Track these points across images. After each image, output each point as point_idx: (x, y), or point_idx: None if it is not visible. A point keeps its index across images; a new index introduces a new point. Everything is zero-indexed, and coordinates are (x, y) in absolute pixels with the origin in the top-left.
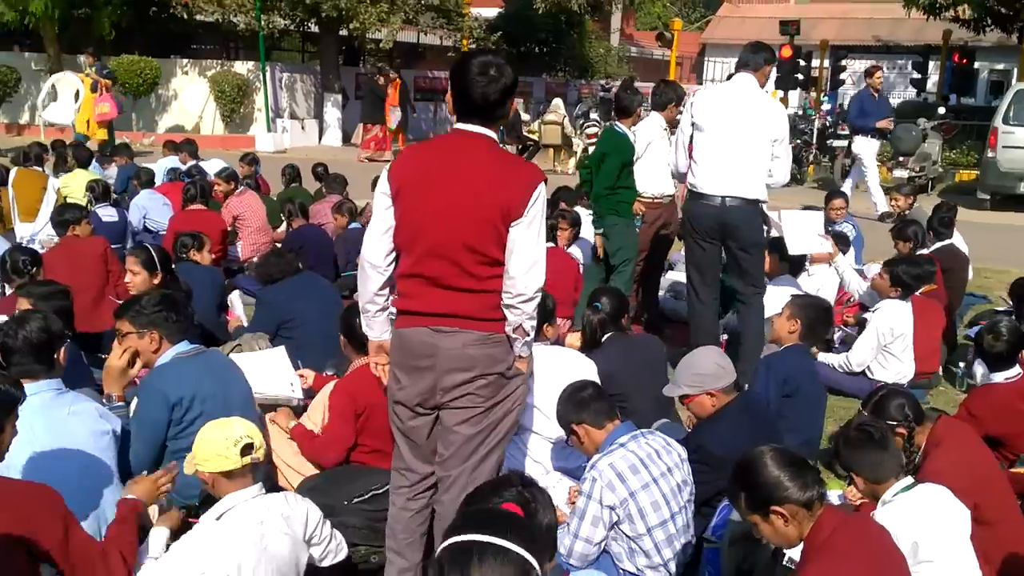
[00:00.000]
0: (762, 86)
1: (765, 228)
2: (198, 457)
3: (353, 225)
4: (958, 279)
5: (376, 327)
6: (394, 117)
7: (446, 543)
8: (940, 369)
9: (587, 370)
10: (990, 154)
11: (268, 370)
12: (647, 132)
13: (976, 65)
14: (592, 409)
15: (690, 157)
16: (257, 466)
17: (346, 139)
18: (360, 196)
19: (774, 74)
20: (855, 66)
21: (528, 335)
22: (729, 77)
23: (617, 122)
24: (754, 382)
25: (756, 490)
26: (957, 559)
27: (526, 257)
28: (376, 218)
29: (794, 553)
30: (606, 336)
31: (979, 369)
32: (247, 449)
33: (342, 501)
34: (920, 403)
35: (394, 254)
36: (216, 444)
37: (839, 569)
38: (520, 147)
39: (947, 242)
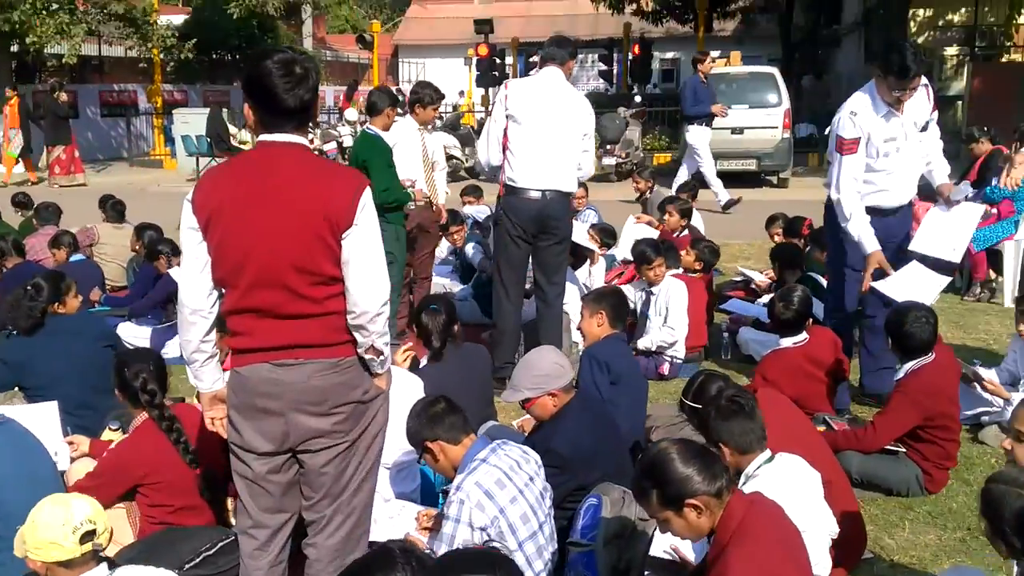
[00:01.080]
0: (567, 80)
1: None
2: (29, 544)
3: (76, 257)
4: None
5: (206, 377)
6: (16, 142)
7: None
8: (707, 342)
9: (415, 388)
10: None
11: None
12: (398, 134)
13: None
14: (447, 424)
15: (505, 150)
16: (100, 551)
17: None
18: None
19: (474, 72)
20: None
21: (382, 354)
22: (529, 69)
23: (370, 124)
24: (579, 375)
25: (668, 486)
26: (818, 525)
27: (363, 271)
28: (188, 256)
29: (667, 543)
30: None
31: (748, 335)
32: (88, 536)
33: (172, 570)
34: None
35: (215, 293)
36: (51, 530)
37: (760, 553)
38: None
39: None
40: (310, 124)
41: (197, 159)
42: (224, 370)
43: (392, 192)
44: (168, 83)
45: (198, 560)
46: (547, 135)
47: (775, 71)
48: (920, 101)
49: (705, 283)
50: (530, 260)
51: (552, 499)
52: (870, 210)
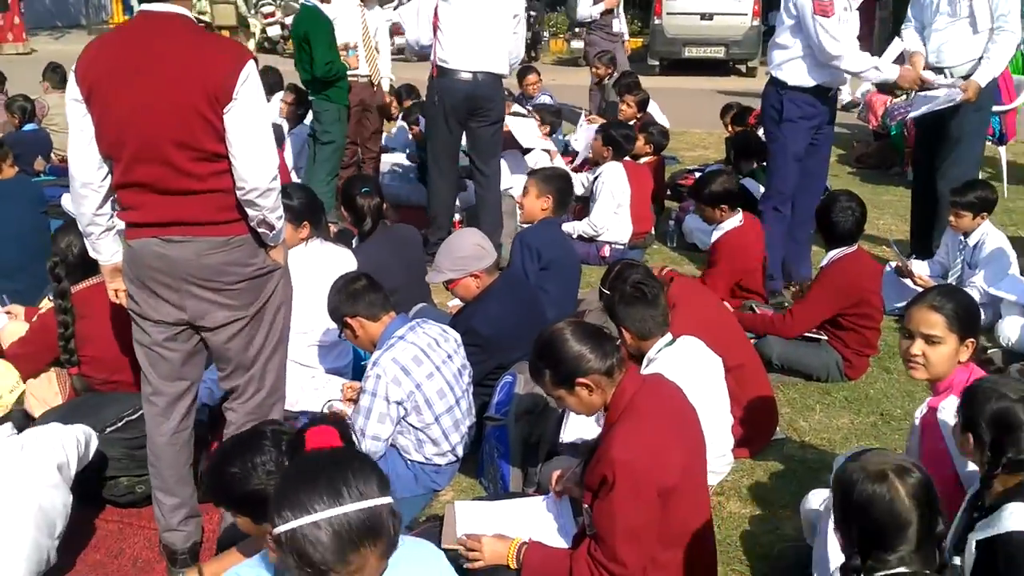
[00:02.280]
0: None
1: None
2: None
3: (29, 126)
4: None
5: (104, 249)
6: None
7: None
8: (652, 229)
9: (348, 264)
10: (656, 22)
11: None
12: (338, 8)
13: None
14: (366, 301)
15: (436, 30)
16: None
17: None
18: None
19: None
20: None
21: (274, 228)
22: None
23: None
24: (511, 259)
25: (561, 365)
26: (717, 405)
27: (248, 146)
28: (74, 128)
29: (578, 424)
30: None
31: (691, 223)
32: None
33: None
34: (650, 270)
35: (106, 165)
36: None
37: (644, 429)
38: None
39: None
40: None
41: None
42: None
43: (333, 66)
44: None
45: (120, 424)
46: (478, 15)
47: None
48: None
49: (653, 168)
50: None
51: (471, 376)
52: (815, 89)
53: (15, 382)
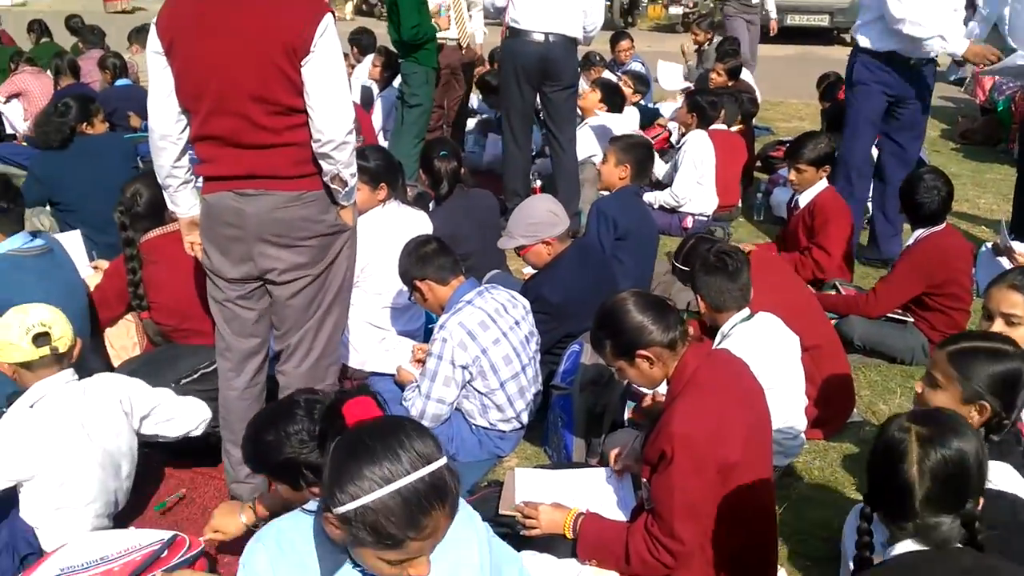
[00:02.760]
0: None
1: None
2: None
3: (121, 81)
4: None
5: (182, 202)
6: None
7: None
8: (740, 202)
9: (424, 227)
10: None
11: None
12: None
13: None
14: (436, 264)
15: None
16: (62, 356)
17: None
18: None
19: None
20: None
21: (347, 184)
22: None
23: None
24: (587, 227)
25: (621, 336)
26: (791, 384)
27: (325, 98)
28: (154, 81)
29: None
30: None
31: (779, 196)
32: (41, 339)
33: (168, 384)
34: (729, 244)
35: (184, 118)
36: (7, 331)
37: (705, 404)
38: None
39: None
40: None
41: None
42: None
43: (420, 29)
44: None
45: (195, 376)
46: None
47: None
48: None
49: (743, 137)
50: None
51: (539, 344)
52: (888, 56)
53: (64, 329)
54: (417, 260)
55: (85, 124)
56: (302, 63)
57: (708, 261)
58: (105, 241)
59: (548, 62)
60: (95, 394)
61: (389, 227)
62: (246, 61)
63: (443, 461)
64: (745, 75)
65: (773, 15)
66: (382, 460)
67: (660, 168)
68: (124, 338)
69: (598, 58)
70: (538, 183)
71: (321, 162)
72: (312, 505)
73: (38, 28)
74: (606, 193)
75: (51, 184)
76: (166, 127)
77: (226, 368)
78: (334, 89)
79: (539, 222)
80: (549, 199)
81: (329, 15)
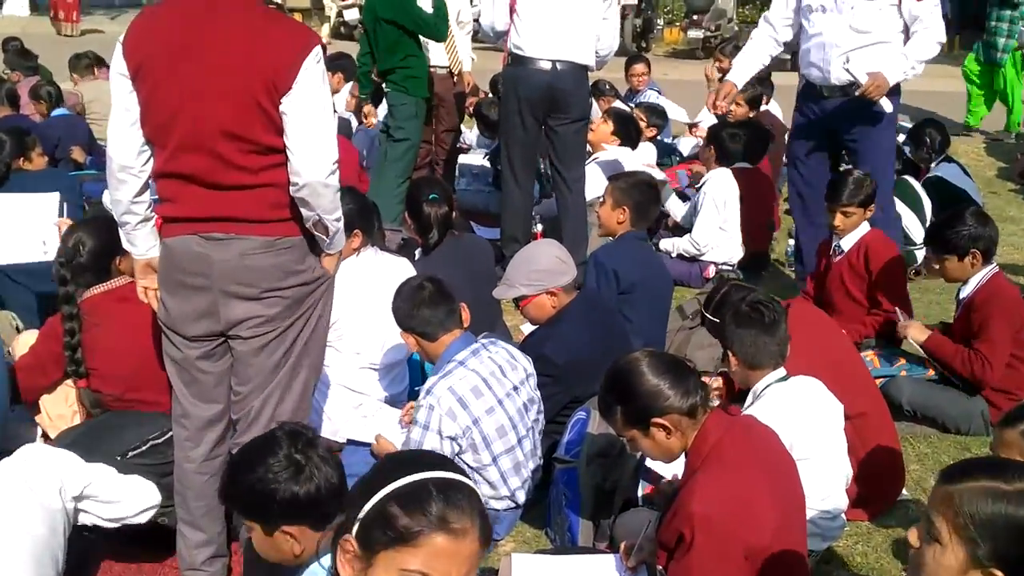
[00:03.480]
0: None
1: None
2: None
3: (58, 111)
4: (777, 148)
5: (140, 242)
6: None
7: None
8: (768, 248)
9: (407, 276)
10: None
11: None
12: None
13: None
14: (422, 317)
15: (512, 13)
16: None
17: (35, 7)
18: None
19: None
20: None
21: (331, 231)
22: None
23: None
24: (585, 281)
25: (634, 402)
26: (831, 456)
27: (306, 137)
28: (117, 106)
29: (657, 466)
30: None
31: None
32: None
33: (113, 457)
34: (764, 294)
35: (148, 150)
36: None
37: (729, 480)
38: None
39: (763, 108)
40: None
41: None
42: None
43: (413, 58)
44: None
45: (144, 448)
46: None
47: None
48: None
49: (764, 179)
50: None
51: (541, 411)
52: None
53: None
54: (407, 307)
55: (22, 159)
56: (282, 99)
57: (741, 311)
58: (44, 290)
59: (556, 92)
60: (18, 471)
61: (366, 278)
62: (222, 94)
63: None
64: (773, 106)
65: None
66: (399, 474)
67: (678, 210)
68: (62, 406)
69: (608, 86)
70: (539, 227)
71: (301, 208)
72: (326, 560)
73: None
74: (606, 239)
75: None
76: (127, 158)
77: (183, 437)
78: (316, 128)
79: (544, 270)
80: (555, 244)
81: (318, 48)
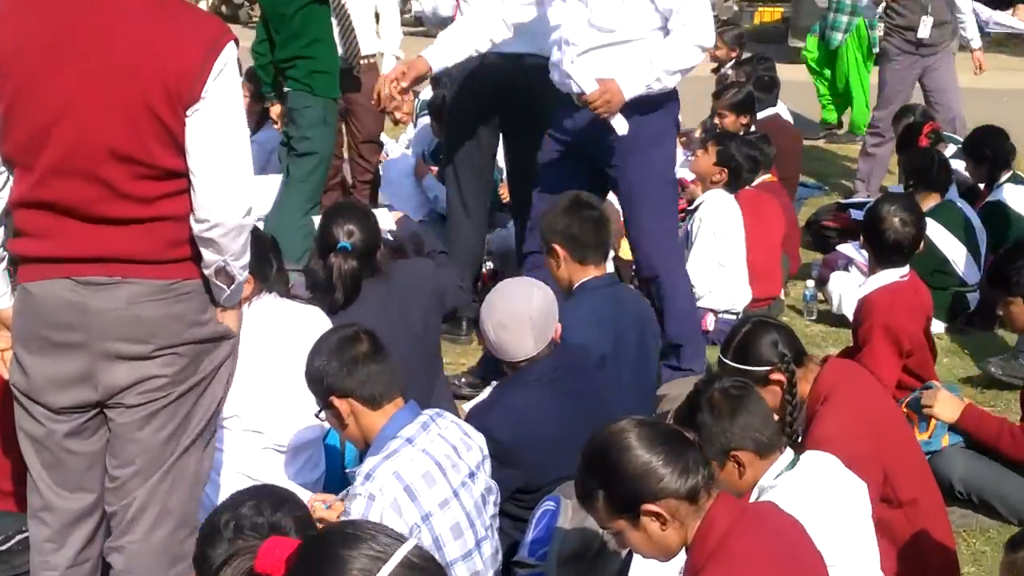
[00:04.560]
0: None
1: None
2: None
3: None
4: (789, 164)
5: None
6: None
7: None
8: (782, 292)
9: (318, 331)
10: None
11: None
12: None
13: None
14: (363, 375)
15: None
16: None
17: None
18: None
19: None
20: None
21: (235, 280)
22: None
23: None
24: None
25: (621, 484)
26: (859, 552)
27: (220, 165)
28: None
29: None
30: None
31: (839, 285)
32: None
33: None
34: (797, 337)
35: (5, 172)
36: None
37: None
38: None
39: (770, 111)
40: None
41: None
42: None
43: (319, 45)
44: None
45: (2, 549)
46: None
47: None
48: None
49: (779, 199)
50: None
51: (498, 504)
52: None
53: None
54: (339, 364)
55: None
56: (187, 112)
57: (716, 402)
58: None
59: (517, 92)
60: None
61: (264, 334)
62: (111, 102)
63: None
64: (782, 110)
65: (975, 43)
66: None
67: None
68: None
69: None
70: (489, 265)
71: (203, 249)
72: None
73: None
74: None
75: None
76: None
77: (43, 538)
78: (233, 153)
79: (517, 316)
80: (535, 283)
81: (231, 45)
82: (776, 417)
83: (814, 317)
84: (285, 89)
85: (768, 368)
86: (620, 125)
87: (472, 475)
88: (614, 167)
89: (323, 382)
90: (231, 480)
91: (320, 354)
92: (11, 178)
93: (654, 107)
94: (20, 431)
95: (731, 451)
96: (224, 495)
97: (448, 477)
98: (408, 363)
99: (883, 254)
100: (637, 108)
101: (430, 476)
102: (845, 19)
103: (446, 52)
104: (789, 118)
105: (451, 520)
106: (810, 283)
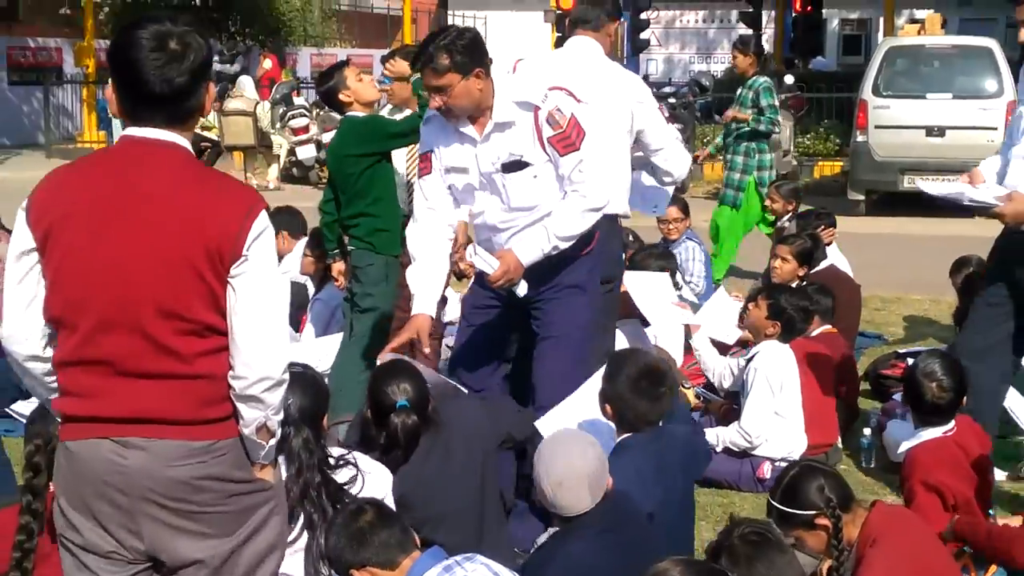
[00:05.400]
0: (608, 52)
1: None
2: None
3: None
4: (848, 314)
5: None
6: None
7: None
8: (839, 440)
9: (380, 486)
10: (860, 138)
11: None
12: None
13: (824, 14)
14: (377, 543)
15: None
16: None
17: None
18: None
19: (555, 32)
20: (661, 18)
21: (274, 435)
22: (560, 43)
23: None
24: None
25: None
26: None
27: (256, 320)
28: (13, 280)
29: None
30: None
31: (896, 433)
32: None
33: None
34: (846, 482)
35: (50, 333)
36: None
37: None
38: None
39: (826, 263)
40: (195, 119)
41: None
42: None
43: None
44: (104, 38)
45: None
46: None
47: (993, 45)
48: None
49: (838, 349)
50: None
51: None
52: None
53: None
54: (349, 540)
55: None
56: (231, 272)
57: (736, 550)
58: None
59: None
60: None
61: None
62: (153, 263)
63: None
64: (835, 256)
65: None
66: None
67: (720, 368)
68: None
69: (631, 237)
70: None
71: (241, 406)
72: None
73: None
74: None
75: None
76: (30, 345)
77: None
78: (271, 310)
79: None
80: (588, 438)
81: (264, 212)
82: (824, 560)
83: (872, 465)
84: (349, 247)
85: (814, 512)
86: (521, 288)
87: None
88: (537, 308)
89: (341, 559)
90: None
91: (332, 533)
92: (52, 341)
93: (571, 260)
94: None
95: None
96: None
97: None
98: (471, 507)
99: (922, 416)
100: (553, 267)
101: None
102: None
103: (430, 291)
104: (846, 269)
105: None
106: (867, 431)
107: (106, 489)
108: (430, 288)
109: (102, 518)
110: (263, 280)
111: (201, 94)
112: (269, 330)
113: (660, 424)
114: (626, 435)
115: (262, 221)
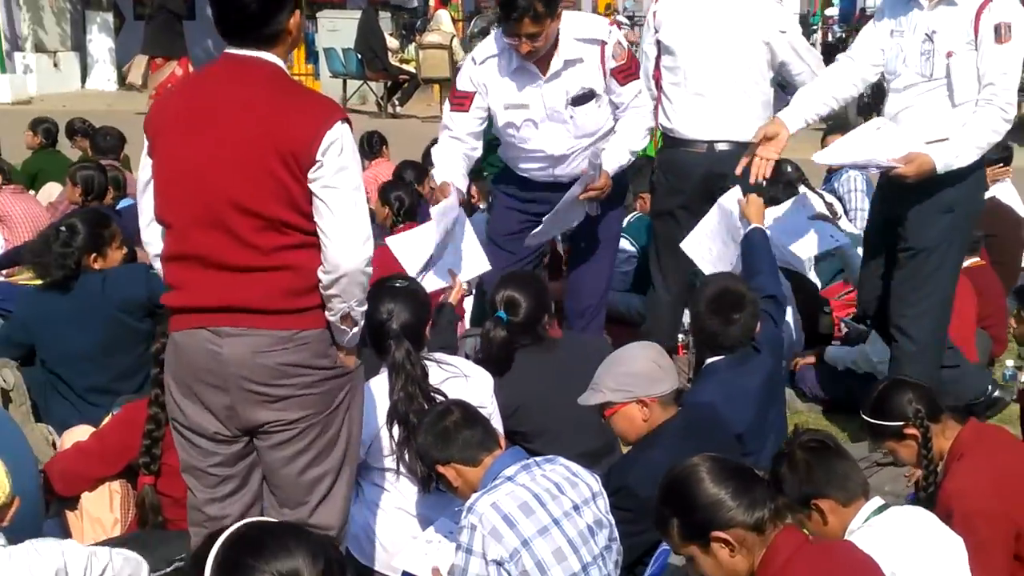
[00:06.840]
0: None
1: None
2: None
3: (125, 202)
4: (1008, 249)
5: None
6: None
7: None
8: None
9: (480, 388)
10: None
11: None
12: None
13: None
14: (461, 441)
15: (658, 89)
16: None
17: (124, 79)
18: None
19: None
20: None
21: (358, 324)
22: None
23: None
24: (695, 394)
25: (692, 513)
26: None
27: (338, 219)
28: (141, 186)
29: None
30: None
31: None
32: None
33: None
34: (936, 396)
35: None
36: None
37: None
38: (389, 83)
39: (988, 194)
40: (283, 40)
41: (344, 82)
42: None
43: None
44: None
45: (168, 570)
46: (713, 64)
47: None
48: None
49: (982, 283)
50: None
51: (615, 539)
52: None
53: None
54: (437, 438)
55: (95, 256)
56: (308, 175)
57: (798, 459)
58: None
59: (714, 179)
60: (22, 566)
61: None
62: (233, 164)
63: None
64: (1002, 189)
65: None
66: None
67: None
68: (104, 509)
69: (790, 167)
70: (681, 338)
71: (331, 297)
72: None
73: (44, 133)
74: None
75: (38, 332)
76: (157, 247)
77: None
78: (352, 209)
79: (636, 373)
80: (654, 347)
81: (340, 124)
82: (914, 470)
83: (1013, 396)
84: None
85: (902, 423)
86: (593, 208)
87: (577, 508)
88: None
89: (428, 455)
90: (394, 518)
91: (420, 431)
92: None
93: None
94: (182, 456)
95: (811, 500)
96: (387, 530)
97: (548, 508)
98: (567, 427)
99: None
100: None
101: (527, 506)
102: None
103: (453, 170)
104: (1014, 202)
105: (552, 546)
106: (1010, 363)
107: (206, 375)
108: (453, 168)
109: (205, 401)
110: (339, 184)
111: (281, 20)
112: (348, 229)
113: (746, 350)
114: (714, 358)
115: (337, 131)
